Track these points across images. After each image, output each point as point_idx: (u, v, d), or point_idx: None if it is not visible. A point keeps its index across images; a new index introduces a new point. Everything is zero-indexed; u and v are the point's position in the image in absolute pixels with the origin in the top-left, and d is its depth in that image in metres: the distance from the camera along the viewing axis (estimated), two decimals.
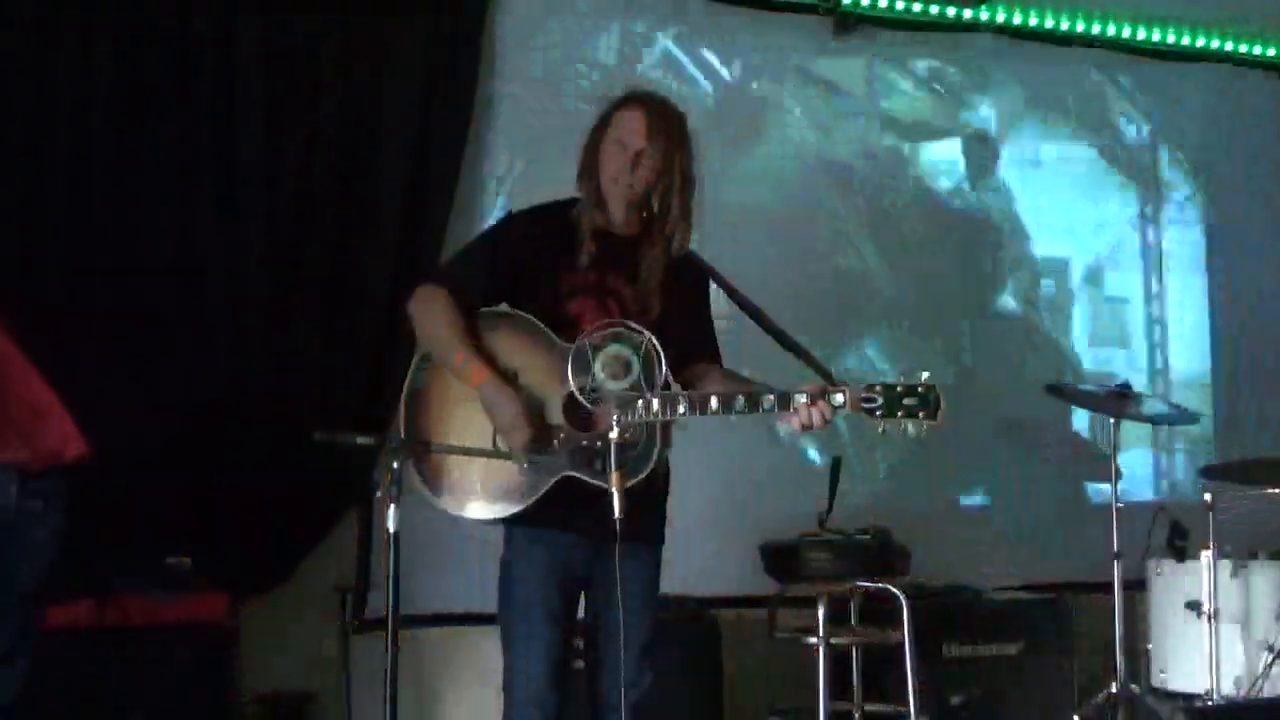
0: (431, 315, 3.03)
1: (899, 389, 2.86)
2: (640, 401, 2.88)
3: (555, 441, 2.94)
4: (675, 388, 3.01)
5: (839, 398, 2.89)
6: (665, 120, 3.09)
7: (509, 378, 2.97)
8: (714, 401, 2.91)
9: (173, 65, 4.33)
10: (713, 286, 3.26)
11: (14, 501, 2.88)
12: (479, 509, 3.01)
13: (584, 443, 2.92)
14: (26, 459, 2.95)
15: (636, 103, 3.10)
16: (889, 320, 5.52)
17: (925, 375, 2.87)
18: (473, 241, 3.31)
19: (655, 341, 2.90)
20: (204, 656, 3.74)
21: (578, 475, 2.91)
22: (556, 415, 2.96)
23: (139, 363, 4.22)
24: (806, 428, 2.90)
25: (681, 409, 2.91)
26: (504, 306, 3.07)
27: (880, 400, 2.86)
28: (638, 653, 3.03)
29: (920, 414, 2.85)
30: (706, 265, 3.25)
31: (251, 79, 4.41)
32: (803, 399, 2.88)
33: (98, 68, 4.23)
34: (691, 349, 3.15)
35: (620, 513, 2.69)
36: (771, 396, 2.90)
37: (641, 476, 2.88)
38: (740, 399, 2.90)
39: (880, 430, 2.89)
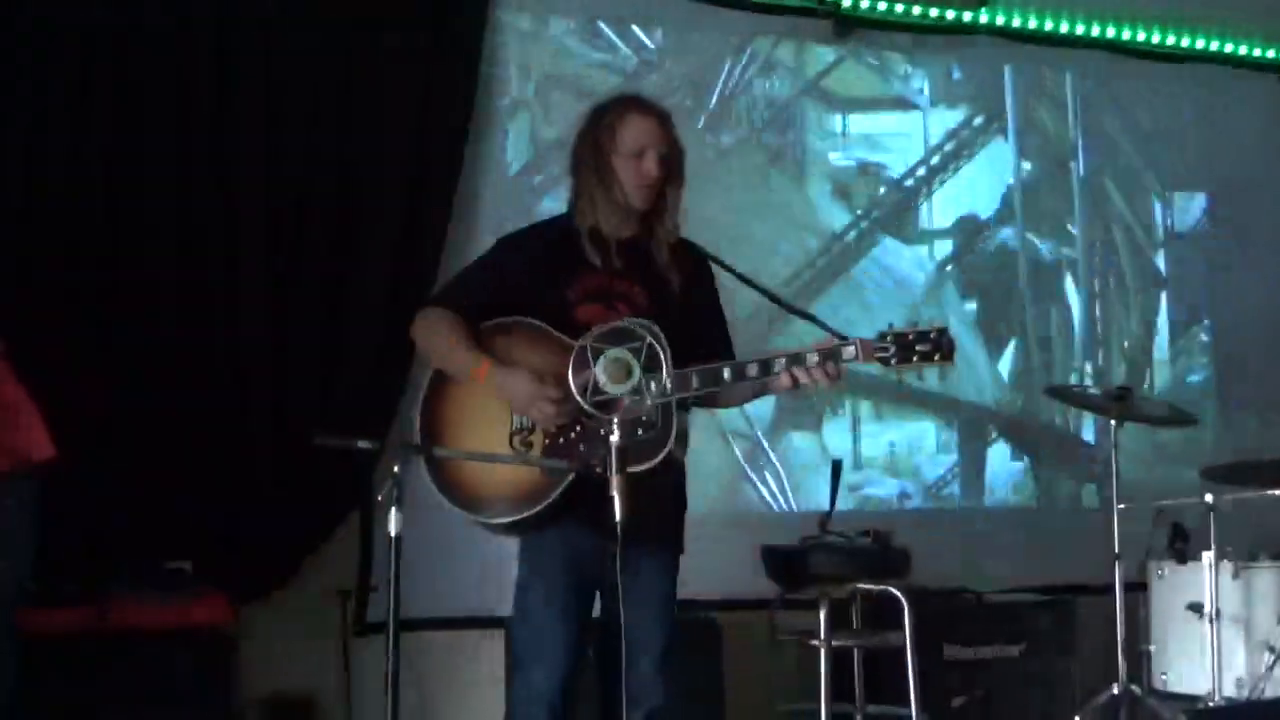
0: (436, 333, 3.04)
1: (910, 335, 2.88)
2: (653, 380, 2.88)
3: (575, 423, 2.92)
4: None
5: (850, 350, 2.90)
6: (667, 121, 3.11)
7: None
8: (726, 372, 2.92)
9: (173, 79, 4.34)
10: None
11: None
12: (493, 513, 2.99)
13: (600, 430, 2.86)
14: None
15: (639, 108, 3.10)
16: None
17: (934, 321, 2.91)
18: (470, 265, 3.28)
19: (660, 338, 2.91)
20: (205, 660, 3.73)
21: (585, 471, 2.88)
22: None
23: (140, 367, 4.22)
24: (810, 387, 2.91)
25: (695, 383, 2.91)
26: (511, 316, 3.05)
27: (893, 348, 2.88)
28: (655, 660, 3.02)
29: (935, 356, 2.87)
30: (705, 251, 3.24)
31: (252, 88, 4.42)
32: (814, 357, 2.89)
33: (96, 90, 4.25)
34: (707, 345, 3.13)
35: (622, 516, 2.69)
36: (783, 359, 2.91)
37: (655, 462, 2.87)
38: (754, 365, 2.91)
39: (897, 378, 2.91)
